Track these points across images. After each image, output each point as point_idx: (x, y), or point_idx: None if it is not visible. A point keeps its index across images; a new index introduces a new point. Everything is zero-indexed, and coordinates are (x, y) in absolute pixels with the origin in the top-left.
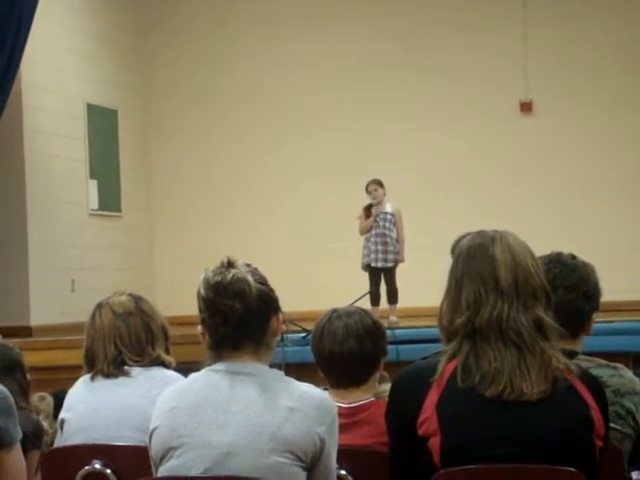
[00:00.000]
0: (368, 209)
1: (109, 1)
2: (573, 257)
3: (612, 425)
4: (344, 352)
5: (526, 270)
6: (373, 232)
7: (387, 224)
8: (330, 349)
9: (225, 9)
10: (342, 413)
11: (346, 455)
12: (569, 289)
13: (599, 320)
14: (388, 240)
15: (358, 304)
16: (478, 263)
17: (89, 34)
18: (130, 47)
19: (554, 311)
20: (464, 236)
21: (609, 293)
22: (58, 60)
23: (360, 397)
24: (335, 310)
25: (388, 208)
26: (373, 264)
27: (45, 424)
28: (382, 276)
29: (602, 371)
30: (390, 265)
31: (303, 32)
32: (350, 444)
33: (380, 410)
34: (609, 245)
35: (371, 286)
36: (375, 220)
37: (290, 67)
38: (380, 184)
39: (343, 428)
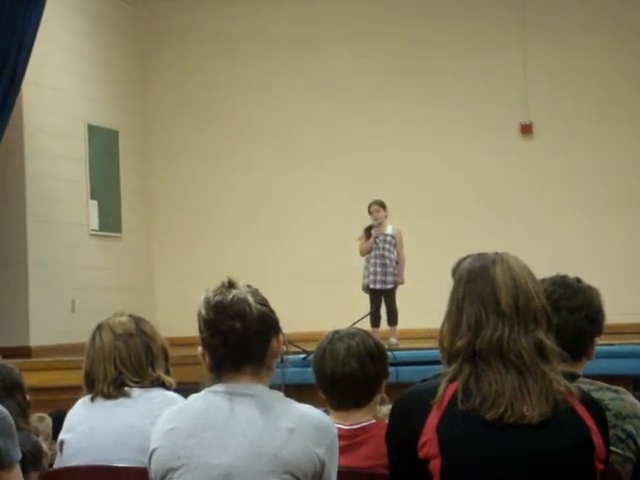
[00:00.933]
0: (368, 230)
1: (110, 24)
2: (578, 280)
3: (613, 449)
4: (346, 373)
5: (527, 292)
6: (372, 254)
7: (387, 246)
8: (332, 370)
9: (226, 31)
10: (343, 435)
11: (346, 477)
12: (572, 311)
13: (599, 343)
14: (387, 262)
15: (358, 325)
16: (479, 285)
17: (90, 56)
18: (131, 69)
19: (556, 333)
20: (465, 258)
21: (610, 316)
22: (59, 81)
23: (361, 419)
24: (337, 332)
25: (388, 230)
26: (372, 286)
27: (44, 445)
28: (382, 297)
29: (603, 394)
30: (389, 287)
31: (305, 53)
32: (351, 466)
33: (381, 432)
34: (611, 267)
35: (371, 307)
36: (375, 242)
37: (292, 88)
38: (382, 205)
39: (344, 450)
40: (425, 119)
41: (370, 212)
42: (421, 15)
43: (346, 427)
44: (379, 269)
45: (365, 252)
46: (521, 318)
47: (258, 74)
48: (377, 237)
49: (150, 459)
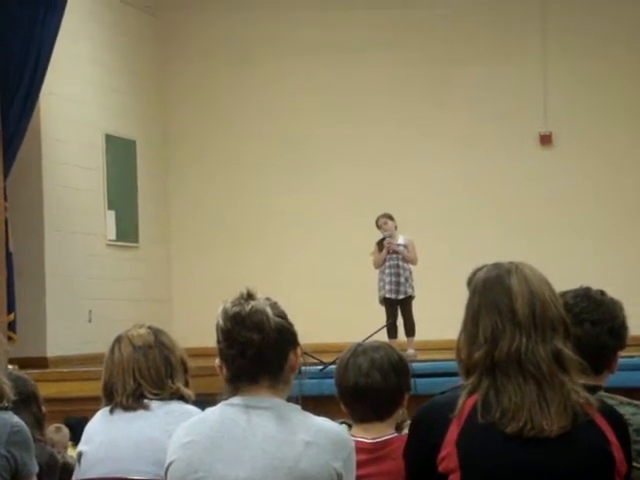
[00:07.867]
0: (381, 243)
1: (128, 33)
2: (602, 293)
3: (635, 464)
4: (369, 384)
5: (543, 302)
6: (387, 264)
7: (400, 256)
8: (355, 382)
9: (243, 39)
10: (366, 448)
11: None
12: (595, 324)
13: (620, 355)
14: (401, 272)
15: (375, 337)
16: (495, 295)
17: (107, 65)
18: (148, 78)
19: (578, 346)
20: (480, 268)
21: (632, 328)
22: (77, 91)
23: (384, 432)
24: (360, 344)
25: (400, 240)
26: (388, 295)
27: (60, 456)
28: (398, 308)
29: (624, 409)
30: (403, 297)
31: (323, 62)
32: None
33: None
34: (633, 277)
35: (388, 319)
36: (388, 253)
37: (309, 97)
38: (390, 217)
39: (367, 463)
40: (444, 130)
41: (379, 226)
42: (441, 26)
43: (369, 440)
44: (394, 279)
45: (379, 264)
46: (538, 327)
47: (276, 82)
48: (390, 248)
49: (166, 472)
